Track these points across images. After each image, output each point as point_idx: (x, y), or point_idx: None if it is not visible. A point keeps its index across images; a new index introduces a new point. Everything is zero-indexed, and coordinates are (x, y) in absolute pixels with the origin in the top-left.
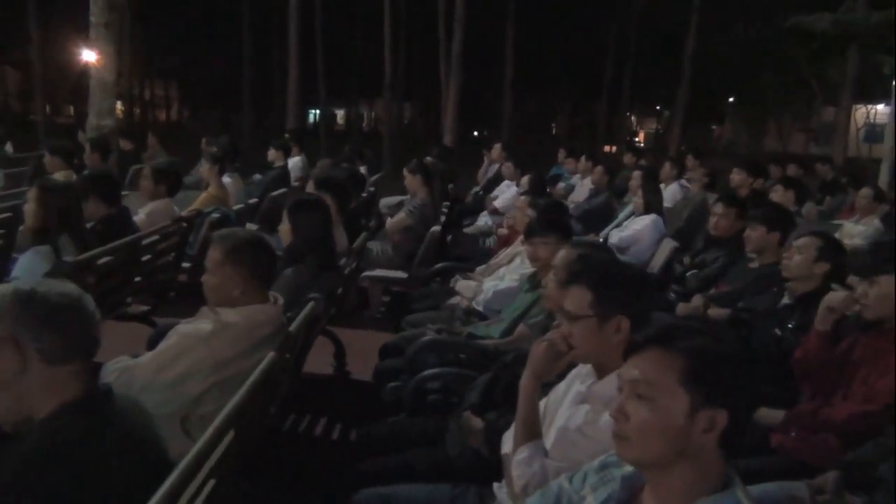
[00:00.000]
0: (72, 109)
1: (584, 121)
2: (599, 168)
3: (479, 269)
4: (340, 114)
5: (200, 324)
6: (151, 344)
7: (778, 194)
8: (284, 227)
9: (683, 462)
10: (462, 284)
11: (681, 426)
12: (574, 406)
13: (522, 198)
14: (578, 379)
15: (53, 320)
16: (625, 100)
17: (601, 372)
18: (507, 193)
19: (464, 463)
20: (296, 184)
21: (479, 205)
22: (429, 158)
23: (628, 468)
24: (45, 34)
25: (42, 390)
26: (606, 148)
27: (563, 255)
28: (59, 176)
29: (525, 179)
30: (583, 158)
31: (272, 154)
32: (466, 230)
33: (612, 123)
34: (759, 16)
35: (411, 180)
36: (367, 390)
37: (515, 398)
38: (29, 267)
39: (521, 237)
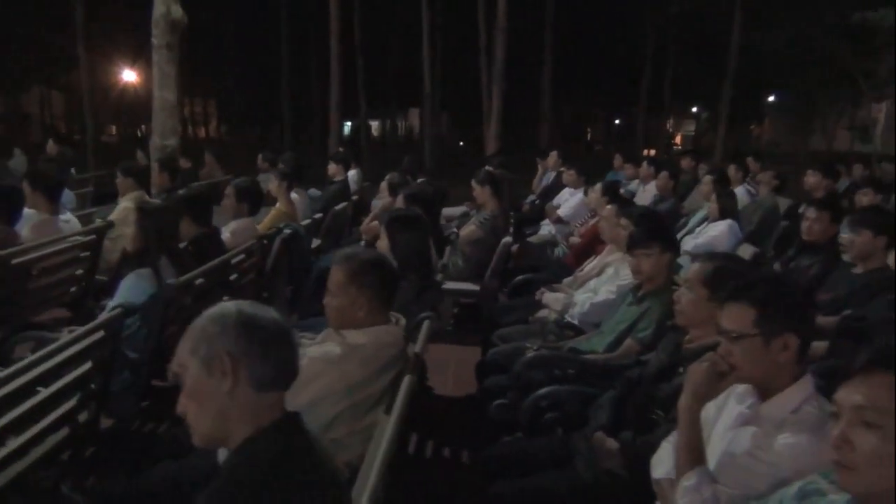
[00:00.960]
0: (114, 129)
1: (621, 125)
2: (664, 173)
3: (567, 280)
4: (374, 125)
5: (328, 347)
6: None
7: (868, 197)
8: (383, 243)
9: None
10: (550, 297)
11: None
12: (735, 428)
13: (609, 207)
14: (734, 399)
15: (270, 348)
16: (666, 101)
17: (766, 392)
18: (570, 202)
19: (602, 485)
20: (354, 197)
21: (538, 214)
22: (488, 168)
23: (836, 497)
24: (88, 57)
25: (243, 414)
26: (643, 152)
27: (696, 269)
28: (131, 197)
29: (598, 187)
30: (644, 164)
31: (332, 168)
32: (529, 240)
33: (650, 127)
34: (803, 12)
35: (480, 192)
36: (460, 406)
37: (648, 417)
38: (134, 289)
39: (608, 247)
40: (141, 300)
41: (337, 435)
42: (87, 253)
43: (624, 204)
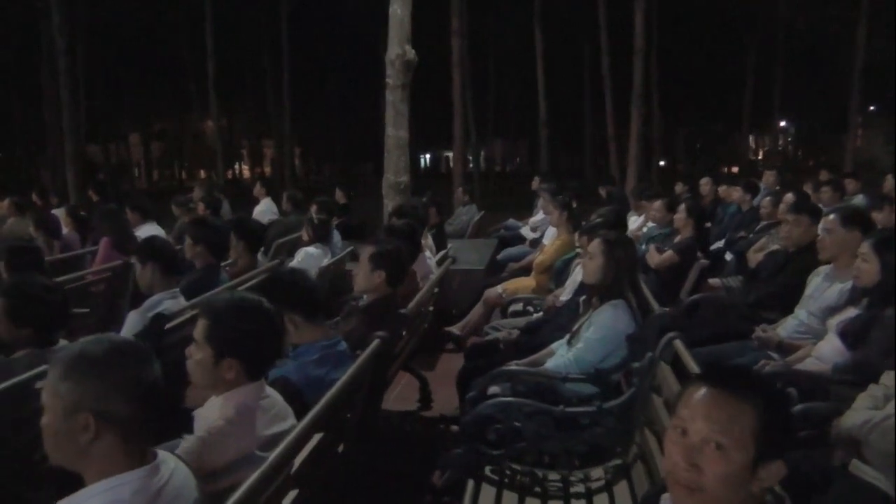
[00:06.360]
0: (202, 172)
1: (706, 143)
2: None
3: None
4: (448, 156)
5: None
6: None
7: None
8: (868, 267)
9: None
10: None
11: None
12: None
13: None
14: None
15: None
16: (775, 115)
17: None
18: None
19: None
20: None
21: None
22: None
23: None
24: (179, 106)
25: None
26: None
27: None
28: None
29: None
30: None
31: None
32: None
33: (736, 142)
34: None
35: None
36: None
37: None
38: (613, 321)
39: None
40: (624, 331)
41: None
42: (437, 290)
43: None
